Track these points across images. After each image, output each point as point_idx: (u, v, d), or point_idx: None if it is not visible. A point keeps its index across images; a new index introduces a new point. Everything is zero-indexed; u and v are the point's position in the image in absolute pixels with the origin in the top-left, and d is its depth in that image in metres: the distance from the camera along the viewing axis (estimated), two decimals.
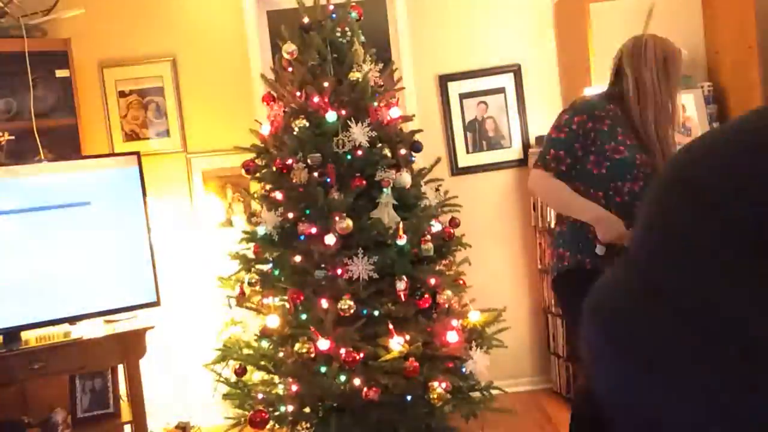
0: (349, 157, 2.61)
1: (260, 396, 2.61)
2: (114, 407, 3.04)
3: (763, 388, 0.48)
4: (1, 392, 2.94)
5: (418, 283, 2.59)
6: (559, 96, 3.75)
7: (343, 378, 2.40)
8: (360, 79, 2.70)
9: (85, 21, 3.55)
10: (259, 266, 2.73)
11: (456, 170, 3.76)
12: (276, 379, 2.62)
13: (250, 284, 2.68)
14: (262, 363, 2.59)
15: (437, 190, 2.87)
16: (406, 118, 2.88)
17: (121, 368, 3.05)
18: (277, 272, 2.64)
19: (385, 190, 2.56)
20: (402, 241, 2.54)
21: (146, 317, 3.05)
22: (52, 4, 3.45)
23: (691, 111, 3.38)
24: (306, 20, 2.81)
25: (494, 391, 2.71)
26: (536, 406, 3.54)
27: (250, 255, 2.77)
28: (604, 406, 0.58)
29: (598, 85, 3.20)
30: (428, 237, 2.62)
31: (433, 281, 2.59)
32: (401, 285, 2.48)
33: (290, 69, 2.80)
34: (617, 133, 2.22)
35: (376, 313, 2.47)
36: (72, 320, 2.93)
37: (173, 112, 3.72)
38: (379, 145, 2.66)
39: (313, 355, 2.40)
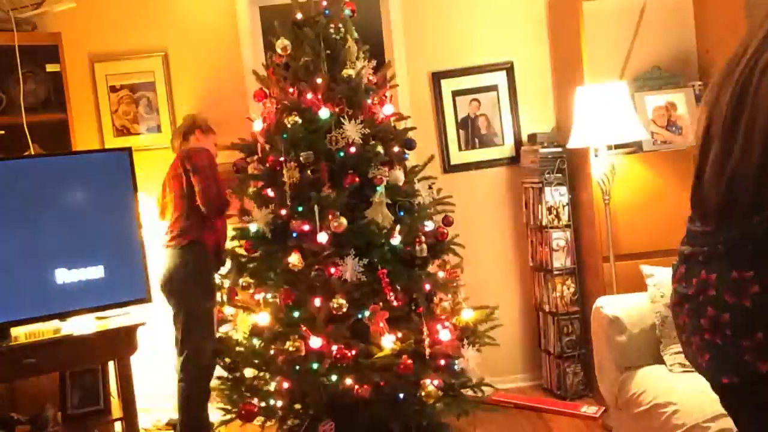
0: (341, 154, 2.61)
1: (251, 391, 2.61)
2: (105, 404, 3.03)
3: None
4: None
5: (412, 290, 2.58)
6: (551, 94, 3.76)
7: (335, 378, 2.40)
8: (353, 76, 2.70)
9: (75, 15, 3.52)
10: (251, 264, 2.73)
11: (448, 168, 3.75)
12: (268, 376, 2.62)
13: (243, 288, 2.67)
14: (254, 361, 2.59)
15: (430, 188, 2.87)
16: (400, 116, 2.87)
17: (111, 365, 3.03)
18: (269, 272, 2.64)
19: (378, 187, 2.56)
20: (395, 240, 2.53)
21: (137, 314, 3.03)
22: None
23: (682, 110, 3.40)
24: (299, 16, 2.81)
25: (485, 388, 2.73)
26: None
27: (242, 252, 2.76)
28: None
29: (590, 82, 3.22)
30: (422, 237, 2.62)
31: (428, 287, 2.59)
32: (395, 295, 2.47)
33: (283, 65, 2.79)
34: None
35: (367, 314, 2.46)
36: (62, 316, 2.91)
37: (164, 108, 3.70)
38: (372, 142, 2.66)
39: (303, 353, 2.40)
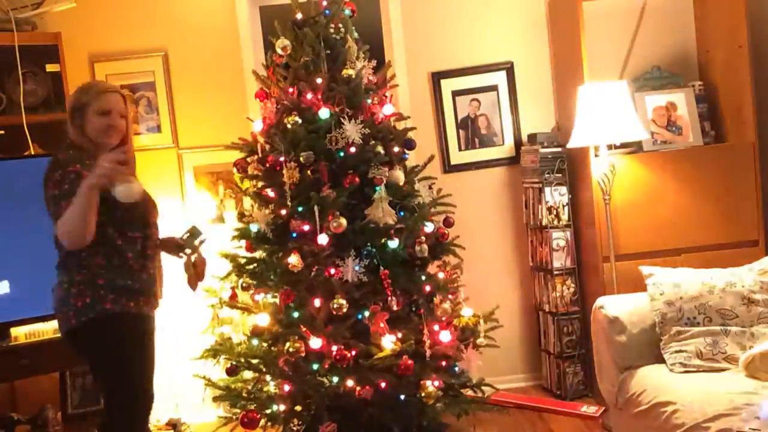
0: (341, 154, 2.61)
1: (252, 395, 2.60)
2: None
3: None
4: None
5: (413, 291, 2.58)
6: (551, 94, 3.76)
7: (336, 379, 2.40)
8: (353, 76, 2.70)
9: (75, 15, 3.52)
10: (250, 265, 2.72)
11: (448, 168, 3.76)
12: (268, 377, 2.61)
13: (243, 288, 2.67)
14: (254, 362, 2.59)
15: (430, 188, 2.87)
16: (400, 116, 2.87)
17: None
18: (269, 272, 2.63)
19: (377, 187, 2.56)
20: (394, 243, 2.53)
21: None
22: None
23: (682, 109, 3.40)
24: (299, 16, 2.80)
25: (485, 388, 2.73)
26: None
27: (242, 253, 2.76)
28: None
29: (590, 82, 3.22)
30: (422, 238, 2.62)
31: (428, 288, 2.59)
32: (394, 300, 2.47)
33: (283, 65, 2.79)
34: None
35: (367, 314, 2.46)
36: None
37: (164, 108, 3.70)
38: (372, 142, 2.66)
39: (303, 354, 2.39)
